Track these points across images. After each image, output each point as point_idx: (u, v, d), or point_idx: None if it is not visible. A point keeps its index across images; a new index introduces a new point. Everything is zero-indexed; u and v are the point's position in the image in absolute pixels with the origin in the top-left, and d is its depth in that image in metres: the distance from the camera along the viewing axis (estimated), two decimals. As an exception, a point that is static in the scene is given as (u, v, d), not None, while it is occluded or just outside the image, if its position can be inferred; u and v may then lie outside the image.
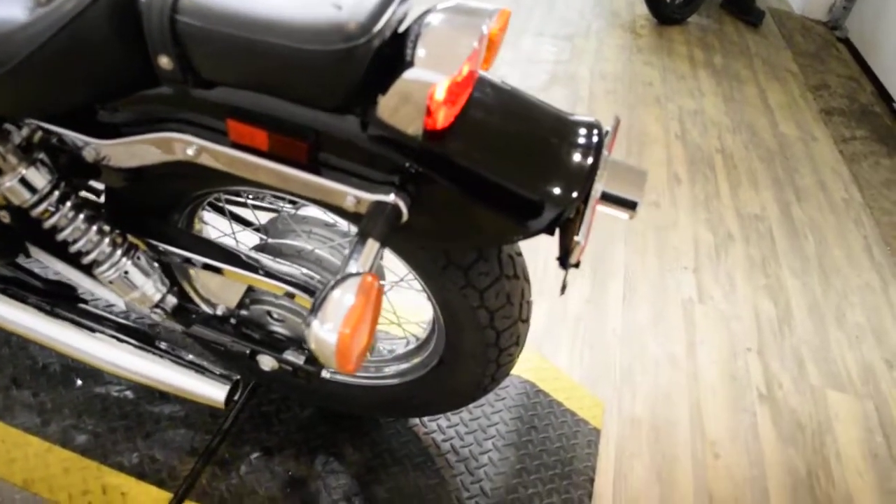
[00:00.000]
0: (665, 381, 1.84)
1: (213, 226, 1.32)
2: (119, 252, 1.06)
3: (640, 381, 1.83)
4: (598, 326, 1.97)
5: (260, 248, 1.20)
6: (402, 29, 0.85)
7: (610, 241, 2.30)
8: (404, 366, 1.30)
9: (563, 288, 0.92)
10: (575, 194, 0.85)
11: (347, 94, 0.80)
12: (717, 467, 1.65)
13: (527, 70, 3.24)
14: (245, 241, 1.31)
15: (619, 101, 3.12)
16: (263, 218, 1.30)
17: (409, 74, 0.77)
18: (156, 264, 1.12)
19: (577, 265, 0.89)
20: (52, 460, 1.33)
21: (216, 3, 0.77)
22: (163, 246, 1.09)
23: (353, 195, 0.87)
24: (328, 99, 0.80)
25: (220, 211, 1.34)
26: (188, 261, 1.10)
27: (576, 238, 0.83)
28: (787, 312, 2.14)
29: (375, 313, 0.79)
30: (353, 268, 0.79)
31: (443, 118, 0.80)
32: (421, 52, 0.78)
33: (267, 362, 1.15)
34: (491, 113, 0.87)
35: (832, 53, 3.95)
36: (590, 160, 0.87)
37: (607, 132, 0.90)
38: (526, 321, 1.13)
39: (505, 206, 0.86)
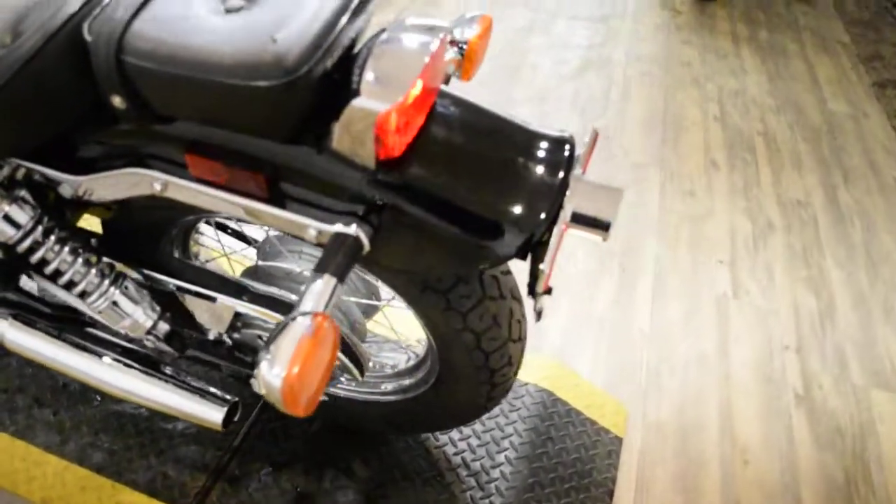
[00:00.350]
0: (694, 384, 1.77)
1: (208, 246, 1.32)
2: (107, 282, 1.07)
3: (668, 384, 1.76)
4: (624, 327, 1.91)
5: (251, 271, 1.19)
6: (357, 48, 0.82)
7: (640, 235, 2.22)
8: (406, 382, 1.28)
9: (538, 315, 0.88)
10: (541, 217, 0.81)
11: (295, 126, 0.77)
12: (747, 475, 1.58)
13: (559, 56, 3.16)
14: (247, 256, 1.31)
15: (654, 83, 3.01)
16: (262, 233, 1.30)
17: (355, 103, 0.74)
18: (145, 291, 1.12)
19: (547, 292, 0.84)
20: (70, 479, 1.36)
21: (159, 42, 0.76)
22: (152, 274, 1.09)
23: (314, 227, 0.84)
24: (276, 132, 0.78)
25: (222, 228, 1.34)
26: (179, 288, 1.10)
27: (540, 266, 0.79)
28: (830, 306, 2.03)
29: (329, 354, 0.76)
30: (307, 305, 0.76)
31: (395, 146, 0.76)
32: (366, 81, 0.75)
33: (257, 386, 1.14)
34: (451, 133, 0.83)
35: (887, 21, 3.72)
36: (557, 180, 0.82)
37: (575, 156, 0.85)
38: (518, 340, 1.10)
39: (469, 232, 0.82)
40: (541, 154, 0.84)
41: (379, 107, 0.73)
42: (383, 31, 0.81)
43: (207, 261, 1.29)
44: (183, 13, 0.78)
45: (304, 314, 0.74)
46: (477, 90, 2.87)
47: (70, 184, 0.96)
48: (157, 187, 0.89)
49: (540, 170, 0.82)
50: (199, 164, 0.84)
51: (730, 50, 3.31)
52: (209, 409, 1.18)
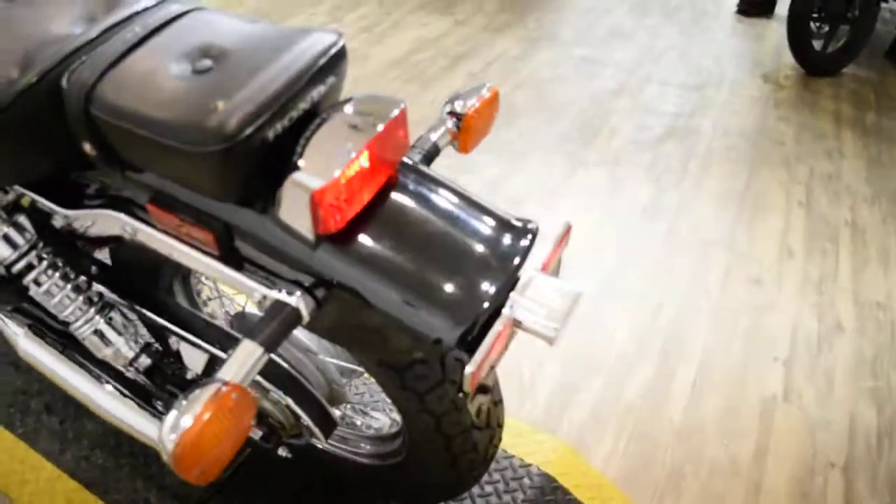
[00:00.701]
0: (719, 489, 1.64)
1: (209, 285, 1.33)
2: (93, 310, 1.10)
3: (689, 487, 1.64)
4: (654, 417, 1.79)
5: (238, 316, 1.19)
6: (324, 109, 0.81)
7: (692, 319, 2.10)
8: (384, 448, 1.24)
9: (477, 415, 0.83)
10: (478, 311, 0.76)
11: (239, 190, 0.76)
12: None
13: (643, 121, 3.07)
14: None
15: (739, 159, 2.87)
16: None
17: (293, 176, 0.73)
18: (133, 323, 1.14)
19: (482, 392, 0.79)
20: (59, 489, 1.40)
21: (122, 98, 0.77)
22: (139, 308, 1.12)
23: (258, 291, 0.83)
24: (219, 194, 0.77)
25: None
26: (162, 326, 1.12)
27: (467, 367, 0.74)
28: (893, 424, 1.84)
29: (237, 427, 0.74)
30: (224, 372, 0.75)
31: (332, 221, 0.74)
32: (307, 153, 0.73)
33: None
34: (401, 211, 0.79)
35: None
36: (504, 274, 0.77)
37: (532, 250, 0.80)
38: (485, 428, 1.04)
39: (407, 318, 0.78)
40: (495, 243, 0.79)
41: (314, 182, 0.71)
42: (336, 104, 0.79)
43: (211, 299, 1.31)
44: (153, 72, 0.79)
45: (216, 382, 0.73)
46: (544, 149, 2.83)
47: (60, 216, 0.99)
48: (128, 231, 0.91)
49: (489, 260, 0.78)
50: (158, 214, 0.85)
51: (829, 131, 3.12)
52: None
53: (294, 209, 0.74)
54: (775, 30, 3.99)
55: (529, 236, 0.81)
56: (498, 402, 1.06)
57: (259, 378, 1.04)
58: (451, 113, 1.01)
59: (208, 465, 0.72)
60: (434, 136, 0.99)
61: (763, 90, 3.41)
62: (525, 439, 1.64)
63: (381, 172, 0.78)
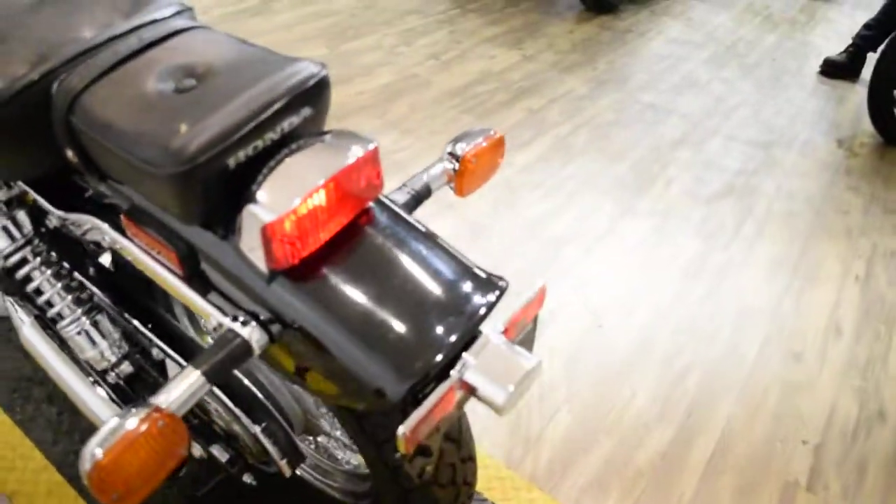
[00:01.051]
0: (720, 577, 1.53)
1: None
2: (80, 311, 1.10)
3: (688, 568, 1.54)
4: (663, 488, 1.70)
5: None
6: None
7: (719, 389, 1.99)
8: (359, 488, 1.21)
9: (419, 476, 0.78)
10: (423, 367, 0.72)
11: (200, 214, 0.75)
12: None
13: (701, 175, 2.97)
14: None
15: (798, 226, 2.74)
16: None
17: (249, 207, 0.71)
18: (117, 328, 1.14)
19: (422, 453, 0.75)
20: (43, 479, 1.41)
21: (100, 109, 0.78)
22: (124, 315, 1.12)
23: (214, 317, 0.81)
24: (181, 215, 0.76)
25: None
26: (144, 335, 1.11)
27: (401, 427, 0.70)
28: (926, 533, 1.69)
29: (162, 457, 0.71)
30: (162, 398, 0.73)
31: (283, 257, 0.72)
32: (265, 185, 0.71)
33: (197, 450, 1.12)
34: (363, 253, 0.76)
35: None
36: (456, 333, 0.73)
37: (492, 310, 0.75)
38: (450, 485, 0.99)
39: (353, 366, 0.75)
40: (456, 297, 0.75)
41: (267, 215, 0.69)
42: (317, 135, 0.77)
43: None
44: (137, 86, 0.79)
45: (148, 407, 0.71)
46: (595, 191, 2.76)
47: (54, 216, 1.01)
48: (107, 239, 0.91)
49: (447, 313, 0.74)
50: (131, 227, 0.85)
51: (902, 206, 2.95)
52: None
53: (249, 240, 0.72)
54: (858, 93, 3.82)
55: (495, 293, 0.76)
56: (467, 460, 1.01)
57: (228, 402, 1.03)
58: (451, 154, 0.98)
59: (128, 492, 0.70)
60: (427, 177, 0.96)
61: (835, 155, 3.26)
62: (519, 495, 1.58)
63: (345, 211, 0.75)
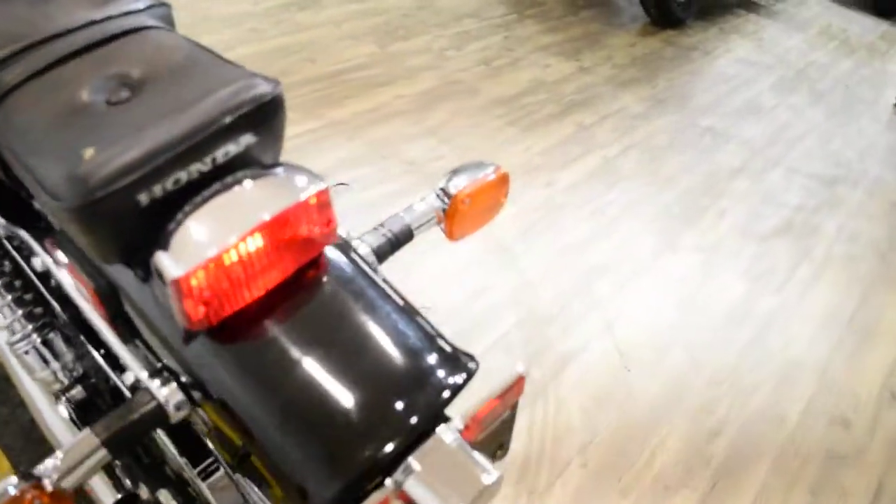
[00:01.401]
0: None
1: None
2: (30, 327, 1.01)
3: None
4: (677, 561, 1.53)
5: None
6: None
7: (753, 455, 1.80)
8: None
9: None
10: (362, 466, 0.58)
11: (107, 254, 0.63)
12: None
13: (757, 209, 2.76)
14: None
15: (859, 273, 2.51)
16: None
17: (159, 255, 0.58)
18: (71, 350, 1.05)
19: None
20: (4, 490, 1.33)
21: (19, 118, 0.67)
22: (81, 338, 1.02)
23: (132, 371, 0.70)
24: (88, 251, 0.64)
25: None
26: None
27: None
28: None
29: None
30: (48, 469, 0.62)
31: (198, 316, 0.59)
32: (182, 228, 0.59)
33: (144, 492, 1.01)
34: (304, 315, 0.63)
35: None
36: (405, 426, 0.59)
37: (452, 399, 0.61)
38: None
39: (272, 454, 0.61)
40: (411, 378, 0.62)
41: (176, 269, 0.56)
42: (257, 169, 0.64)
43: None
44: (67, 94, 0.67)
45: (29, 480, 0.59)
46: (641, 220, 2.58)
47: (20, 235, 0.91)
48: (39, 263, 0.81)
49: (396, 399, 0.60)
50: (56, 252, 0.74)
51: (979, 260, 2.69)
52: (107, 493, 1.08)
53: (163, 292, 0.60)
54: (939, 131, 3.54)
55: (461, 376, 0.62)
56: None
57: (171, 447, 0.91)
58: (443, 191, 0.84)
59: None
60: (409, 217, 0.82)
61: (908, 198, 3.01)
62: (514, 556, 1.44)
63: (283, 264, 0.62)
